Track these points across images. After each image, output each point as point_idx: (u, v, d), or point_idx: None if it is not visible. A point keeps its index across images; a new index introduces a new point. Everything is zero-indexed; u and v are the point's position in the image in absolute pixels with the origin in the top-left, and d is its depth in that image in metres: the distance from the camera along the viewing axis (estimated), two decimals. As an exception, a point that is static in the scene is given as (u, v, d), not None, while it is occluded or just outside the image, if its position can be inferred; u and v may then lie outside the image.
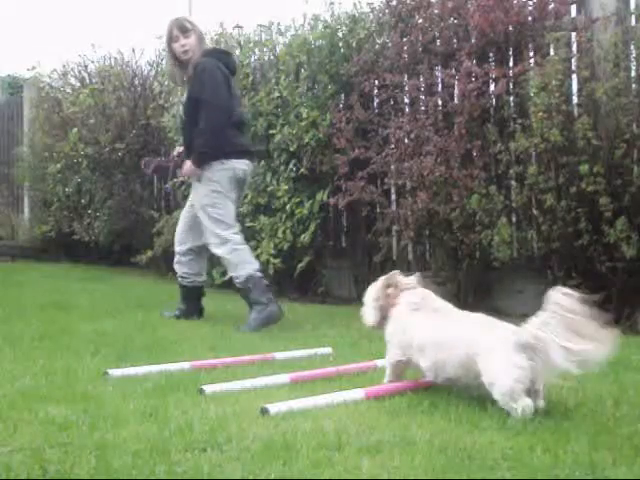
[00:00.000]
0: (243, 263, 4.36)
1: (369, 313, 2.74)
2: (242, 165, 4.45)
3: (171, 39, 4.50)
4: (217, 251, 4.42)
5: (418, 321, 2.57)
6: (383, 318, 2.70)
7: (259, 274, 4.35)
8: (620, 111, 4.19)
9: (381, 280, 2.72)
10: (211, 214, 4.39)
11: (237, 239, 4.41)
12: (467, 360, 2.38)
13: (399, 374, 2.68)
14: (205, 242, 4.48)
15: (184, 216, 4.65)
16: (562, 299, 2.25)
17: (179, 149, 4.75)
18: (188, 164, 4.44)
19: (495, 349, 2.31)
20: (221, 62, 4.47)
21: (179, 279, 4.65)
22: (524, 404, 2.24)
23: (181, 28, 4.46)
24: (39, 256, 8.62)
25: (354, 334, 3.99)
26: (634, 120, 4.19)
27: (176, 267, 4.66)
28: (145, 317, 4.46)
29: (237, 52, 6.28)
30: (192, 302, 4.63)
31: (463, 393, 2.59)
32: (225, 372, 2.95)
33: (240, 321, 4.31)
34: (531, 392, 2.27)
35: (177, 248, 4.65)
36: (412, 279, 2.72)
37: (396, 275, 2.71)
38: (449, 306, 2.63)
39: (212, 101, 4.31)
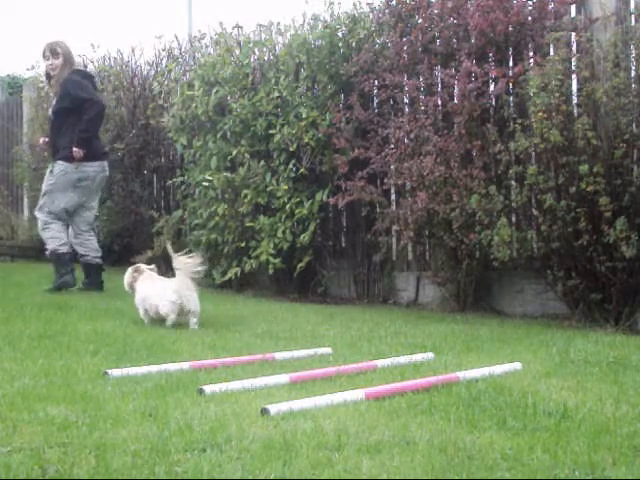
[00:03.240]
0: (51, 239, 5.51)
1: (126, 287, 4.42)
2: (94, 167, 5.54)
3: (44, 59, 5.55)
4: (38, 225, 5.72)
5: (143, 287, 4.28)
6: (132, 290, 4.37)
7: (62, 249, 5.49)
8: (620, 111, 4.20)
9: (131, 268, 4.42)
10: (41, 199, 5.60)
11: (48, 219, 5.51)
12: (155, 300, 4.17)
13: (148, 319, 4.25)
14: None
15: None
16: (184, 262, 4.13)
17: (45, 139, 5.99)
18: (75, 149, 5.42)
19: (165, 292, 4.14)
20: (82, 79, 5.48)
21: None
22: (172, 320, 4.11)
23: (51, 51, 5.49)
24: (39, 256, 8.58)
25: (354, 334, 4.00)
26: (634, 120, 4.20)
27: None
28: (145, 317, 4.45)
29: (237, 52, 6.27)
30: (65, 267, 5.56)
31: (463, 393, 2.60)
32: (225, 372, 2.95)
33: (240, 322, 4.33)
34: (183, 313, 4.13)
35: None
36: (149, 267, 4.45)
37: (140, 265, 4.46)
38: (160, 278, 4.41)
39: (89, 99, 5.33)
